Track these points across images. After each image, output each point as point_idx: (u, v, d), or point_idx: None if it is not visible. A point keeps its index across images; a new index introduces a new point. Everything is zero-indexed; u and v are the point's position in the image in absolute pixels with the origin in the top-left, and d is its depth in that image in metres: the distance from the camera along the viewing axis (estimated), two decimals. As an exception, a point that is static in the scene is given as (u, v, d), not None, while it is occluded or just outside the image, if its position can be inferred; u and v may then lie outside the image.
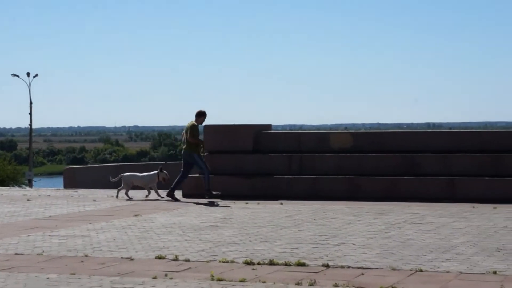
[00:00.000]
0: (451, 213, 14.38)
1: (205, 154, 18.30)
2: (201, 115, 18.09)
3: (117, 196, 18.10)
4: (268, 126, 19.33)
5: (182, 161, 18.03)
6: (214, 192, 17.62)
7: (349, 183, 17.53)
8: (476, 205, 15.45)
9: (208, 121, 18.53)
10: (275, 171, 18.27)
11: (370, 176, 17.47)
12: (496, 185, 16.41)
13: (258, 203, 16.37)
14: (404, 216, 13.96)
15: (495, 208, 14.97)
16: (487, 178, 16.60)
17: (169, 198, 17.57)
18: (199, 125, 18.16)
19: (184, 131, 18.12)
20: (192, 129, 17.80)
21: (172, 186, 17.79)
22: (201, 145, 18.12)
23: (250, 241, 11.28)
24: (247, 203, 16.49)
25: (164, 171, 18.17)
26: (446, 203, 15.96)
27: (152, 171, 18.40)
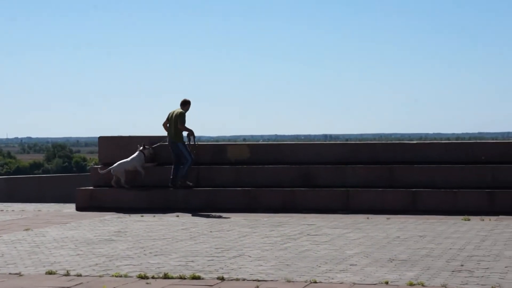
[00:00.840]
0: (346, 224, 14.56)
1: (194, 144, 18.02)
2: (186, 104, 17.91)
3: (117, 186, 18.07)
4: (164, 137, 19.16)
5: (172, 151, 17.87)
6: (189, 183, 17.67)
7: (246, 195, 17.53)
8: (370, 216, 15.70)
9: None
10: (172, 183, 18.10)
11: (267, 188, 17.53)
12: (389, 197, 16.72)
13: (154, 216, 16.16)
14: (300, 228, 14.04)
15: (388, 219, 15.24)
16: (381, 189, 16.90)
17: (184, 185, 17.63)
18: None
19: (166, 120, 17.94)
20: (181, 116, 17.67)
21: (173, 177, 17.71)
22: (189, 133, 17.95)
23: (144, 254, 11.09)
24: (142, 216, 16.25)
25: (146, 146, 18.17)
26: (341, 214, 16.16)
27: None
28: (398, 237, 12.66)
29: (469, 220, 14.81)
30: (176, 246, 11.91)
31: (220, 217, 15.96)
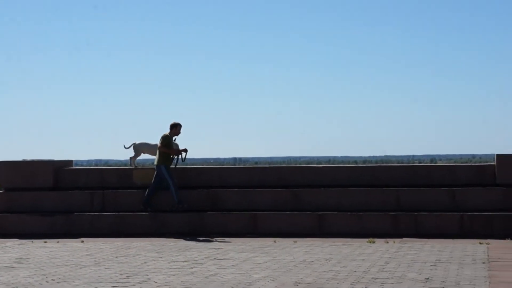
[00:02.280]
0: (253, 247, 14.55)
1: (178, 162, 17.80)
2: (172, 127, 17.60)
3: (130, 164, 18.31)
4: (69, 162, 18.78)
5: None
6: (186, 205, 17.31)
7: (153, 219, 17.33)
8: (277, 239, 15.74)
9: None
10: (77, 208, 17.76)
11: (175, 212, 17.37)
12: (296, 220, 16.82)
13: (58, 242, 15.78)
14: (207, 252, 13.95)
15: (295, 242, 15.31)
16: (288, 212, 16.99)
17: (180, 209, 17.31)
18: (175, 136, 17.64)
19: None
20: (163, 138, 17.40)
21: (146, 198, 17.45)
22: (173, 156, 17.58)
23: (47, 282, 10.78)
24: (45, 241, 15.84)
25: (175, 142, 17.76)
26: (249, 238, 16.15)
27: None
28: (305, 260, 12.72)
29: (374, 242, 15.03)
30: (80, 272, 11.64)
31: (126, 242, 15.71)
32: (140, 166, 18.53)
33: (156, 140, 17.78)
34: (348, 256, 13.11)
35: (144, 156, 18.63)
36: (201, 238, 16.14)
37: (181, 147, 17.73)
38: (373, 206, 16.79)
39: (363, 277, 10.88)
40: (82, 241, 15.87)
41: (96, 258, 13.31)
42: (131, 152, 18.30)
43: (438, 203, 16.60)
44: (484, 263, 12.13)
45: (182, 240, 15.96)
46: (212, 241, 15.63)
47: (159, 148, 17.39)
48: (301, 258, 13.00)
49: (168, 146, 17.44)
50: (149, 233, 16.93)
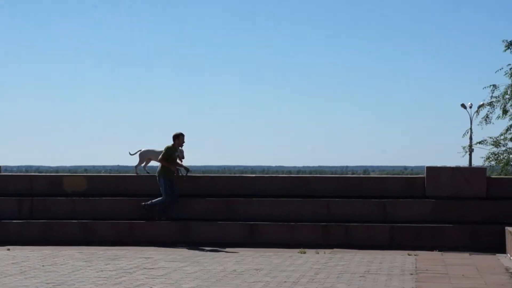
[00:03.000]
0: (184, 257, 14.43)
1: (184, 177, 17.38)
2: (175, 138, 17.17)
3: (136, 173, 18.10)
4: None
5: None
6: (163, 219, 17.06)
7: (83, 227, 17.07)
8: (209, 249, 15.65)
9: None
10: (4, 215, 17.37)
11: (105, 220, 17.14)
12: (228, 229, 16.76)
13: (-17, 249, 15.39)
14: (137, 261, 13.77)
15: (226, 252, 15.24)
16: (220, 222, 16.91)
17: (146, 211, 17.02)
18: (180, 147, 17.25)
19: None
20: (165, 150, 17.06)
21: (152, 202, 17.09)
22: (173, 169, 17.18)
23: (-31, 291, 10.48)
24: (-29, 249, 15.44)
25: (181, 149, 17.33)
26: (180, 248, 16.01)
27: None
28: (235, 270, 12.66)
29: (305, 253, 15.07)
30: (4, 281, 11.35)
31: (54, 250, 15.41)
32: (148, 173, 18.12)
33: (162, 147, 17.43)
34: (278, 266, 13.11)
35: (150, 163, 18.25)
36: (130, 247, 15.94)
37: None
38: (305, 217, 16.84)
39: (292, 287, 10.88)
40: (8, 249, 15.51)
41: (22, 266, 13.02)
42: (134, 159, 18.01)
43: (369, 214, 16.75)
44: (412, 274, 12.26)
45: (111, 248, 15.73)
46: (142, 250, 15.45)
47: (159, 160, 17.14)
48: (231, 268, 12.94)
49: (168, 159, 17.11)
50: (78, 241, 16.65)
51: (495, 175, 21.96)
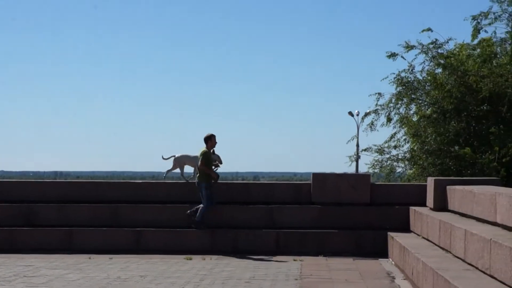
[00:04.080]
0: (67, 264, 14.08)
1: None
2: (207, 140, 16.54)
3: (164, 176, 17.64)
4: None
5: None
6: (203, 227, 16.36)
7: (-39, 234, 16.40)
8: (93, 256, 15.34)
9: None
10: None
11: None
12: (113, 236, 16.47)
13: None
14: (17, 269, 13.33)
15: (111, 258, 14.97)
16: (105, 228, 16.60)
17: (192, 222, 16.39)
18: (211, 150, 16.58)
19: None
20: (203, 156, 16.33)
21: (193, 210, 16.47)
22: (212, 175, 16.44)
23: None
24: None
25: (216, 153, 16.66)
26: (64, 255, 15.63)
27: None
28: (119, 277, 12.44)
29: (191, 259, 14.97)
30: None
31: None
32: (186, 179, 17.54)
33: (195, 152, 16.97)
34: (163, 273, 12.97)
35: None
36: (11, 255, 15.43)
37: None
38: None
39: (176, 294, 10.78)
40: None
41: None
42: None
43: (256, 221, 16.79)
44: (296, 279, 12.37)
45: (-8, 256, 15.20)
46: (23, 258, 14.97)
47: (199, 167, 16.44)
48: (115, 275, 12.71)
49: (209, 164, 16.53)
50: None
51: (381, 182, 22.45)
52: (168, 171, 17.67)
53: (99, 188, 17.48)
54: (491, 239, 9.09)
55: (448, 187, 14.40)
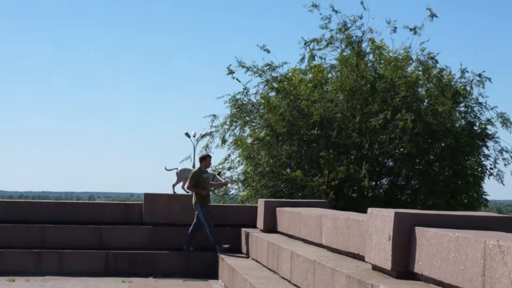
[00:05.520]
0: None
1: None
2: (201, 160, 16.13)
3: (173, 192, 17.20)
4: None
5: None
6: (225, 245, 15.61)
7: None
8: None
9: None
10: None
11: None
12: None
13: None
14: None
15: None
16: None
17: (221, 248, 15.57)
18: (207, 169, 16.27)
19: None
20: (190, 176, 15.92)
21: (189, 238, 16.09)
22: (202, 194, 15.79)
23: None
24: None
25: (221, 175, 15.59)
26: None
27: None
28: None
29: (14, 281, 14.32)
30: None
31: None
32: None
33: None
34: (-18, 296, 12.30)
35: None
36: None
37: None
38: (16, 243, 16.04)
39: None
40: None
41: None
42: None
43: (85, 241, 16.33)
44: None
45: None
46: None
47: (187, 186, 16.09)
48: None
49: (196, 185, 15.72)
50: None
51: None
52: (174, 185, 17.27)
53: None
54: (315, 260, 9.26)
55: (277, 208, 14.62)
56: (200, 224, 16.02)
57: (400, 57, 22.72)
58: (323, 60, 23.16)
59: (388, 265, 7.40)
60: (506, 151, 22.79)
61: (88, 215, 16.80)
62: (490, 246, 5.71)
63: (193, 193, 16.10)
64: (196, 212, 16.02)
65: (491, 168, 22.91)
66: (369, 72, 22.26)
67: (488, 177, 22.96)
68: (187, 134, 51.16)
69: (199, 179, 15.91)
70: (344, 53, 22.72)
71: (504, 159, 22.82)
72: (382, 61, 22.90)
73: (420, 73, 22.56)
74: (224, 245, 15.67)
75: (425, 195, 21.94)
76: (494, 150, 22.95)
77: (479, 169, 22.87)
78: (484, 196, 22.91)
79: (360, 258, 8.88)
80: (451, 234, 6.41)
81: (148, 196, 16.90)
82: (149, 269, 15.98)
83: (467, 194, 22.53)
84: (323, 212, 11.64)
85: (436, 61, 22.71)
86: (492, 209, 26.72)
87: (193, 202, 16.03)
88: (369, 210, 8.16)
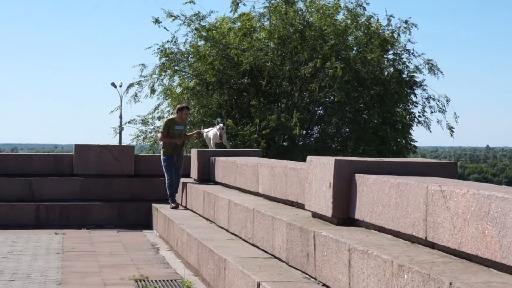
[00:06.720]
0: None
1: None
2: (178, 110, 14.81)
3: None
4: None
5: None
6: (172, 204, 14.64)
7: None
8: None
9: None
10: None
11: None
12: None
13: None
14: None
15: None
16: None
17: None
18: (184, 121, 14.98)
19: None
20: (163, 125, 14.97)
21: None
22: (174, 144, 14.65)
23: None
24: None
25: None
26: None
27: None
28: None
29: None
30: None
31: None
32: None
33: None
34: None
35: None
36: None
37: None
38: None
39: None
40: None
41: None
42: None
43: (14, 193, 16.01)
44: (58, 253, 11.96)
45: None
46: None
47: (160, 139, 15.13)
48: None
49: (170, 134, 14.68)
50: None
51: (145, 153, 22.36)
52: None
53: None
54: (254, 208, 9.30)
55: (211, 158, 14.60)
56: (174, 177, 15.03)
57: (330, 4, 22.76)
58: (251, 9, 23.00)
59: (328, 212, 7.48)
60: (433, 99, 23.23)
61: (17, 167, 16.45)
62: (432, 191, 5.81)
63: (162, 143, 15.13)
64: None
65: (419, 116, 23.37)
66: (298, 20, 22.21)
67: (416, 125, 23.42)
68: (113, 84, 50.47)
69: (170, 130, 14.75)
70: (273, 1, 22.61)
71: (430, 106, 23.27)
72: (311, 9, 22.88)
73: (349, 21, 22.64)
74: (172, 204, 14.73)
75: (355, 143, 22.23)
76: (422, 98, 23.38)
77: (408, 116, 23.27)
78: (412, 143, 23.37)
79: (299, 206, 8.96)
80: (393, 181, 6.50)
81: (78, 147, 16.64)
82: (82, 220, 15.82)
83: (396, 141, 22.93)
84: (259, 161, 11.68)
85: (364, 9, 22.84)
86: (418, 156, 27.25)
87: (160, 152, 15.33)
88: (309, 158, 8.21)
